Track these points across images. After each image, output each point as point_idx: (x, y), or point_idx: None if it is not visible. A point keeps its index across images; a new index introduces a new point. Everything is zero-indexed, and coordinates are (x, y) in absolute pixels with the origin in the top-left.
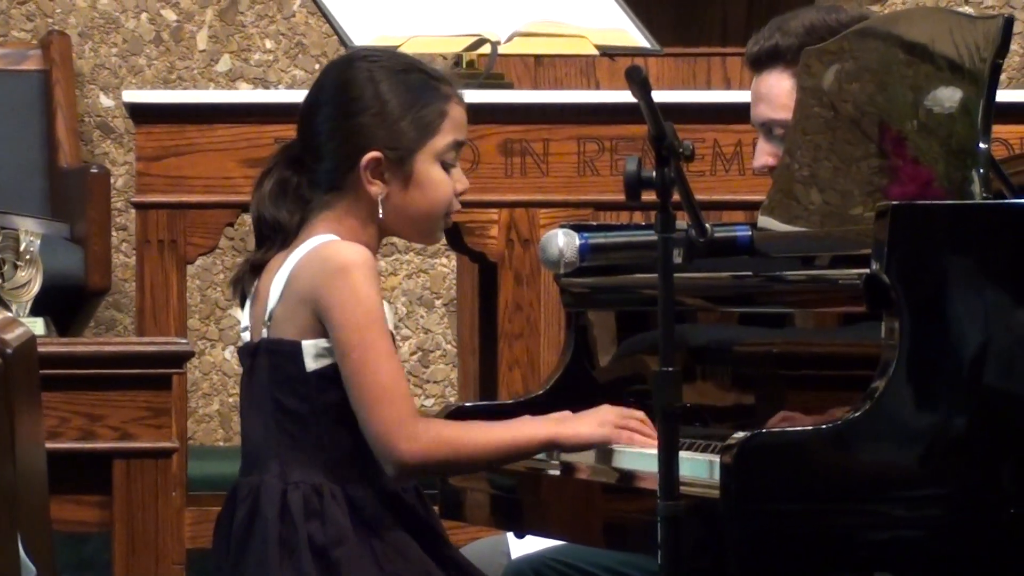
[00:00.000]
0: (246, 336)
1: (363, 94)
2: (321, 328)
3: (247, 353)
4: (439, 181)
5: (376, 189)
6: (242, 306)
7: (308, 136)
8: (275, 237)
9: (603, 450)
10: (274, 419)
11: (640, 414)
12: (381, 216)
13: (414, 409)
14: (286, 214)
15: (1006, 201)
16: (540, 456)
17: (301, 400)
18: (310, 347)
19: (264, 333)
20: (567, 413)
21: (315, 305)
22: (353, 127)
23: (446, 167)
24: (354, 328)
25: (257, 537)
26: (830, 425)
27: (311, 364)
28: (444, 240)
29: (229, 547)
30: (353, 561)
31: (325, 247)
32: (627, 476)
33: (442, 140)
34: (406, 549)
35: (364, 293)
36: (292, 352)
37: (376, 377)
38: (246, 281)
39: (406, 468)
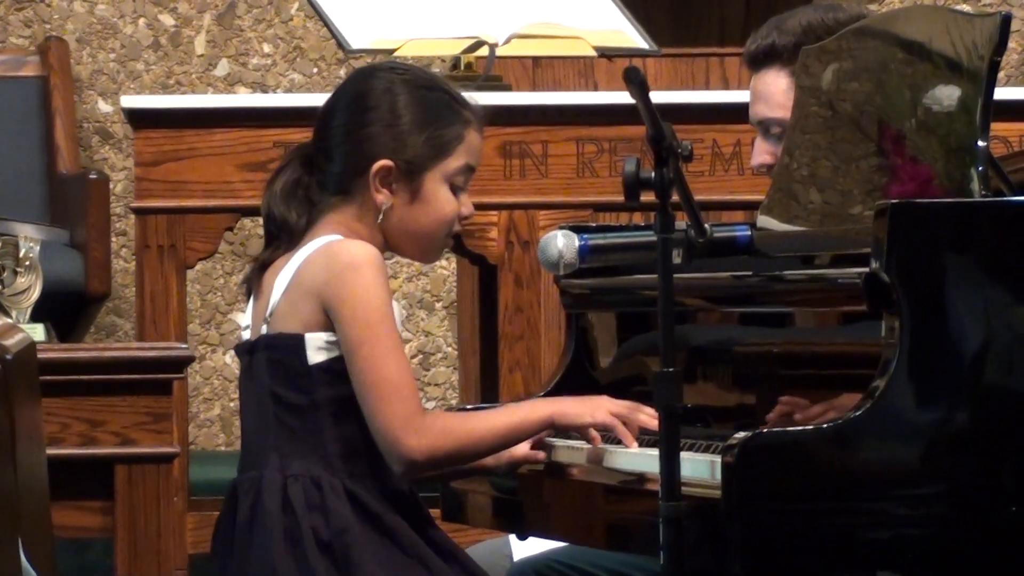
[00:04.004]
0: (246, 335)
1: (378, 104)
2: (325, 322)
3: (244, 351)
4: (445, 201)
5: (382, 197)
6: (248, 295)
7: (322, 137)
8: (282, 236)
9: (604, 451)
10: (273, 413)
11: (642, 407)
12: (381, 221)
13: (421, 405)
14: (294, 214)
15: (1005, 199)
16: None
17: (300, 393)
18: (313, 340)
19: (263, 330)
20: (567, 397)
21: (323, 301)
22: (363, 135)
23: (454, 189)
24: (363, 324)
25: (260, 530)
26: (831, 424)
27: (313, 357)
28: None
29: (231, 546)
30: (357, 552)
31: (333, 244)
32: (628, 477)
33: (455, 162)
34: (408, 544)
35: (373, 290)
36: (294, 345)
37: (384, 372)
38: (253, 280)
39: (414, 464)
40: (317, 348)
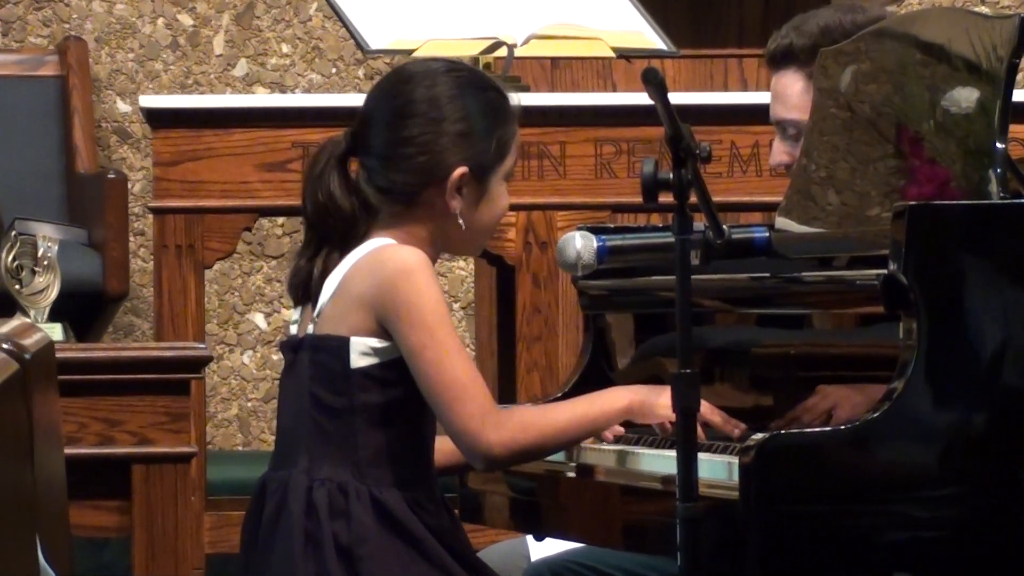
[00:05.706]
0: (294, 329)
1: (448, 114)
2: (373, 329)
3: (289, 348)
4: (504, 197)
5: (456, 204)
6: (296, 304)
7: (384, 143)
8: (333, 238)
9: (622, 452)
10: (309, 414)
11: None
12: (463, 229)
13: (493, 401)
14: (355, 217)
15: (1023, 201)
16: (558, 458)
17: (338, 396)
18: (358, 344)
19: (310, 329)
20: (646, 386)
21: (375, 310)
22: (439, 145)
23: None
24: (424, 328)
25: (283, 532)
26: (849, 426)
27: (356, 361)
28: None
29: (257, 542)
30: (376, 561)
31: (382, 250)
32: (646, 478)
33: (511, 159)
34: (430, 553)
35: (427, 293)
36: (337, 348)
37: (453, 373)
38: (312, 282)
39: (496, 459)
40: (360, 353)
